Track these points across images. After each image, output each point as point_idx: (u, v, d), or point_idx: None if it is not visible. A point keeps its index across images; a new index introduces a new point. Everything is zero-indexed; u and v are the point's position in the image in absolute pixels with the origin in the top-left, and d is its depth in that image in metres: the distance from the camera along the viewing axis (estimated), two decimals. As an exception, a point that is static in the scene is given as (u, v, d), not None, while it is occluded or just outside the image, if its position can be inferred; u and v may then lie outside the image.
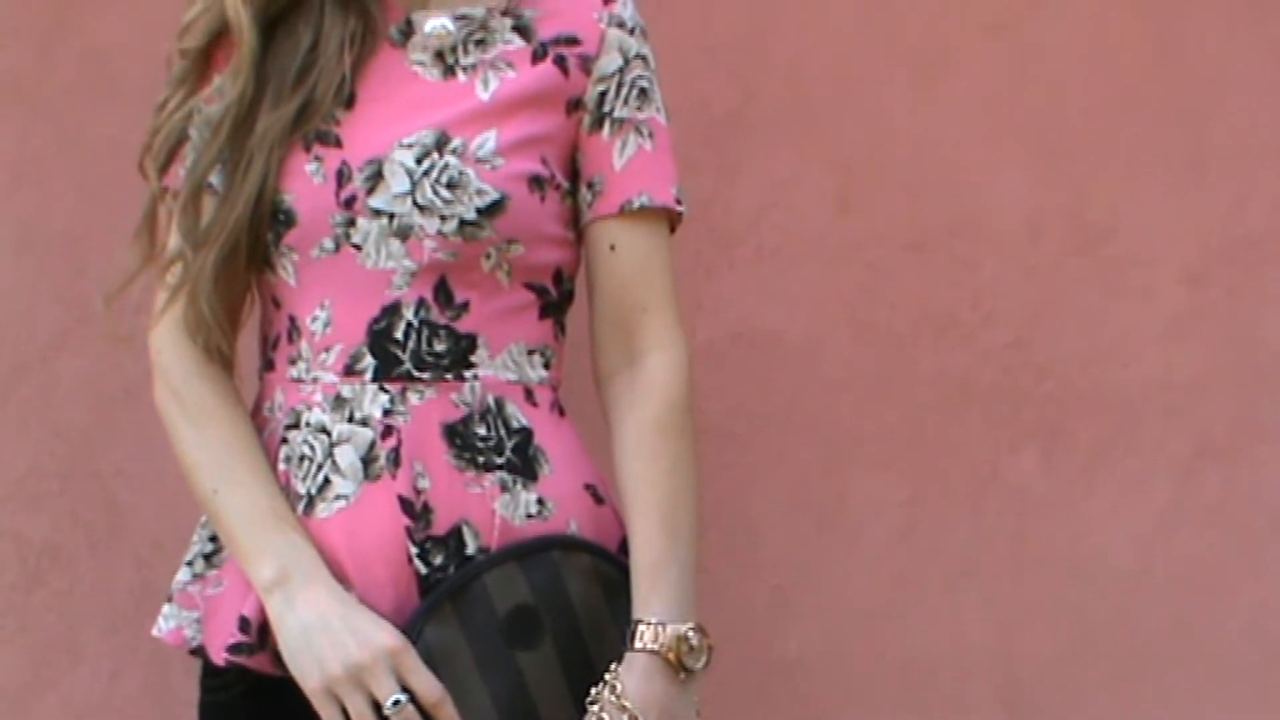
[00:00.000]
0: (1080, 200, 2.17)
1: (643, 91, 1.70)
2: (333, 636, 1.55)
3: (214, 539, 1.68)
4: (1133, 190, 2.17)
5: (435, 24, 1.68)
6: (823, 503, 2.19)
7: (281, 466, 1.64)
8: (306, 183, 1.63)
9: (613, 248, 1.68)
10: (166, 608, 1.69)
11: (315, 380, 1.64)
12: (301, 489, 1.62)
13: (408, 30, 1.68)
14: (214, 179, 1.66)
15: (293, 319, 1.66)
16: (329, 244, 1.63)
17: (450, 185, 1.62)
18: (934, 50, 2.17)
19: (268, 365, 1.69)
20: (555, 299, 1.69)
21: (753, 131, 2.17)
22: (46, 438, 2.17)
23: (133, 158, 1.98)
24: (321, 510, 1.61)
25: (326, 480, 1.61)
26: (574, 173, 1.70)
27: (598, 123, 1.68)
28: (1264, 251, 2.18)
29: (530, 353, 1.67)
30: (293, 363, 1.66)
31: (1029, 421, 2.18)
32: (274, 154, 1.64)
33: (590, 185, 1.69)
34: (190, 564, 1.69)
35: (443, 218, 1.61)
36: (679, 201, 1.70)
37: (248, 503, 1.62)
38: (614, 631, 1.60)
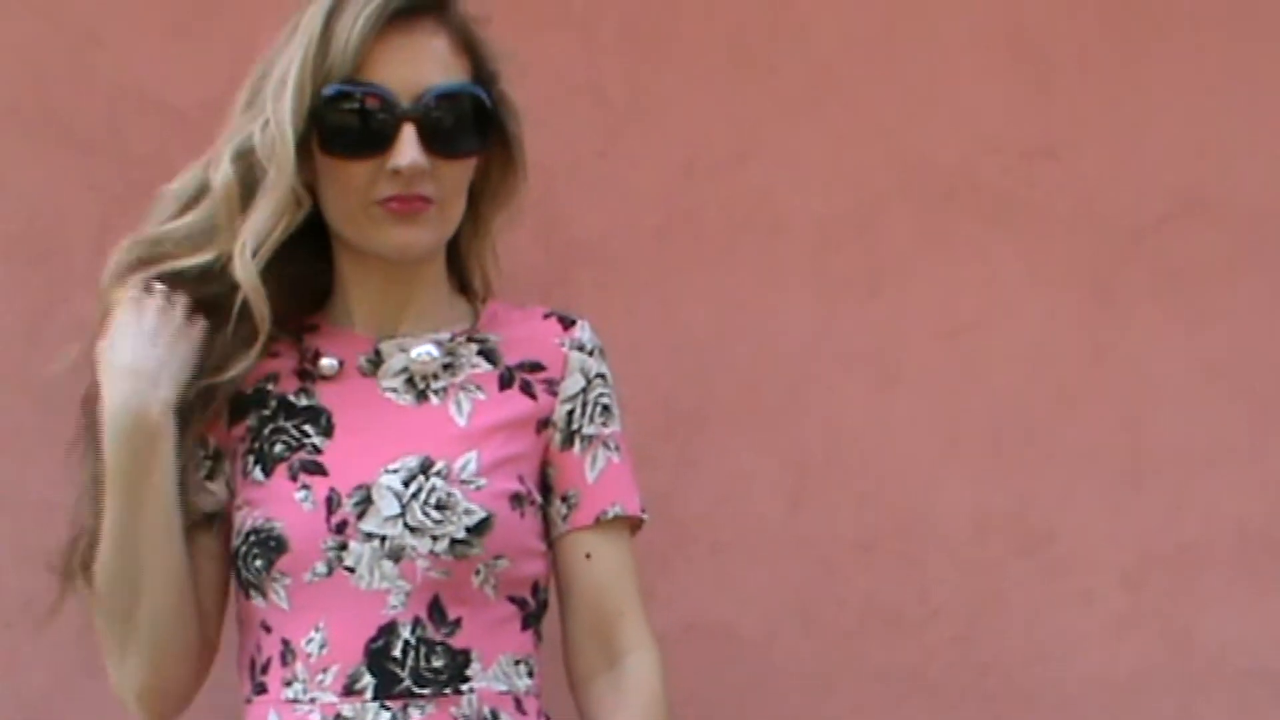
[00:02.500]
0: (1023, 504, 2.22)
1: (605, 408, 1.78)
2: None
3: None
4: (1073, 496, 2.22)
5: (421, 351, 1.74)
6: (772, 791, 2.20)
7: None
8: (296, 510, 1.67)
9: (588, 556, 1.74)
10: None
11: (313, 700, 1.65)
12: None
13: (376, 360, 1.75)
14: None
15: (286, 642, 1.67)
16: (321, 568, 1.66)
17: (439, 506, 1.66)
18: (885, 357, 2.23)
19: (258, 689, 1.70)
20: (534, 609, 1.74)
21: (711, 429, 2.21)
22: (7, 707, 2.15)
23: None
24: None
25: None
26: (545, 487, 1.76)
27: (568, 440, 1.75)
28: (1199, 557, 2.22)
29: (517, 663, 1.70)
30: (288, 684, 1.67)
31: (972, 716, 2.21)
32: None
33: (565, 499, 1.75)
34: None
35: (434, 537, 1.65)
36: (643, 510, 1.78)
37: None
38: None
